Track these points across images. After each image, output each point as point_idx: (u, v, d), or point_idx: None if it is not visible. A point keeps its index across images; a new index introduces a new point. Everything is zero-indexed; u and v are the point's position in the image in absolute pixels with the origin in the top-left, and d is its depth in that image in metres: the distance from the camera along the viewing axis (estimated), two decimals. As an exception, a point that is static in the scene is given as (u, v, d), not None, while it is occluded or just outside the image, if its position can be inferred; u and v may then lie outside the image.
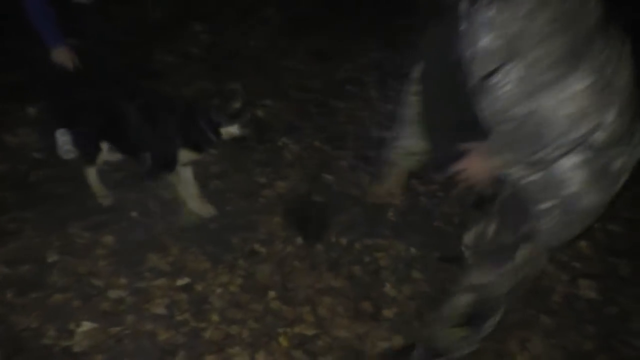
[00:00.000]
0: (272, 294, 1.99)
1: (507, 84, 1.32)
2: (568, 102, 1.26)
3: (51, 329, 1.80)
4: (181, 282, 2.00)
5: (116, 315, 1.86)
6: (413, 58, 1.69)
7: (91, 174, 2.30)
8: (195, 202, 2.29)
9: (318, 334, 1.85)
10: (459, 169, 1.48)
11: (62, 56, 2.25)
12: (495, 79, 1.33)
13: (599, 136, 1.30)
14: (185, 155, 2.16)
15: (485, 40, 1.29)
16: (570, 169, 1.35)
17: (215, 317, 1.88)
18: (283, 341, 1.81)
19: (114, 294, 1.93)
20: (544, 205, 1.40)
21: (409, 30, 1.87)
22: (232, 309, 1.92)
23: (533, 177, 1.41)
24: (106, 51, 2.51)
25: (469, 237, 1.82)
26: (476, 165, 1.45)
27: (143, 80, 3.12)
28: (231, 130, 2.08)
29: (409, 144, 1.78)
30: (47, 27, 2.18)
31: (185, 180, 2.26)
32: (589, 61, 1.26)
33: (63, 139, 2.49)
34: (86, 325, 1.79)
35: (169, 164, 2.17)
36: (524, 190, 1.44)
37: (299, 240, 2.22)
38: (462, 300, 1.65)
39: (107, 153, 2.30)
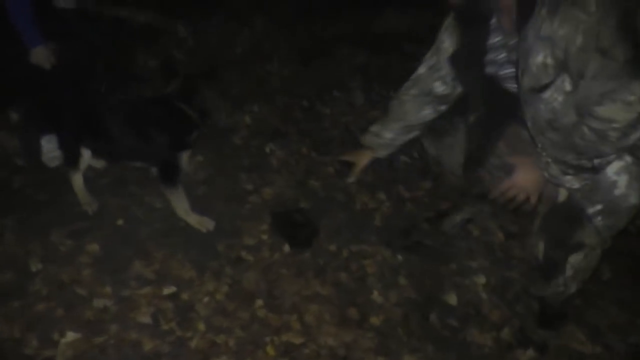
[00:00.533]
0: (258, 301, 1.98)
1: (558, 96, 1.39)
2: (619, 112, 1.31)
3: (34, 339, 1.76)
4: (167, 290, 1.97)
5: (100, 324, 1.83)
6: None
7: (77, 180, 2.27)
8: (192, 217, 2.24)
9: (305, 342, 1.85)
10: (509, 186, 1.56)
11: (40, 56, 2.23)
12: (547, 92, 1.39)
13: None
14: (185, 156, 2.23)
15: (542, 55, 1.34)
16: (617, 173, 1.47)
17: (201, 326, 1.86)
18: (270, 350, 1.80)
19: (98, 302, 1.90)
20: (592, 210, 1.51)
21: (394, 35, 1.90)
22: (218, 317, 1.90)
23: (581, 184, 1.50)
24: (88, 55, 2.49)
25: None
26: (525, 179, 1.53)
27: (126, 84, 3.10)
28: None
29: (388, 136, 1.98)
30: (25, 27, 2.16)
31: (179, 195, 2.23)
32: (637, 81, 1.28)
33: (48, 146, 2.45)
34: (70, 335, 1.76)
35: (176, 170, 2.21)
36: (570, 199, 1.53)
37: (286, 247, 2.21)
38: (534, 304, 1.79)
39: (90, 159, 2.27)
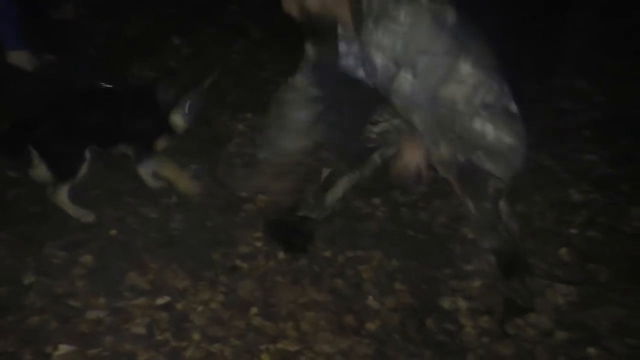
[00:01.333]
0: (254, 310, 1.97)
1: (406, 86, 1.64)
2: (457, 90, 1.64)
3: (28, 352, 1.75)
4: (161, 300, 1.97)
5: (94, 336, 1.82)
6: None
7: (61, 194, 2.23)
8: (183, 181, 2.36)
9: (301, 349, 1.83)
10: (402, 165, 1.81)
11: (20, 59, 2.22)
12: (395, 83, 1.65)
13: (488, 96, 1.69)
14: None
15: (380, 58, 1.62)
16: (481, 125, 1.71)
17: (196, 336, 1.85)
18: (265, 358, 1.79)
19: (92, 314, 1.89)
20: (475, 156, 1.73)
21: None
22: (213, 326, 1.89)
23: (460, 139, 1.71)
24: (83, 67, 2.50)
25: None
26: (412, 153, 1.78)
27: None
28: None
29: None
30: (6, 29, 2.16)
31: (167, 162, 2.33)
32: (465, 48, 1.62)
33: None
34: (63, 348, 1.75)
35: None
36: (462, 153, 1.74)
37: (281, 254, 2.20)
38: (492, 259, 1.91)
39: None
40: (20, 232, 2.20)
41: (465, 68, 1.64)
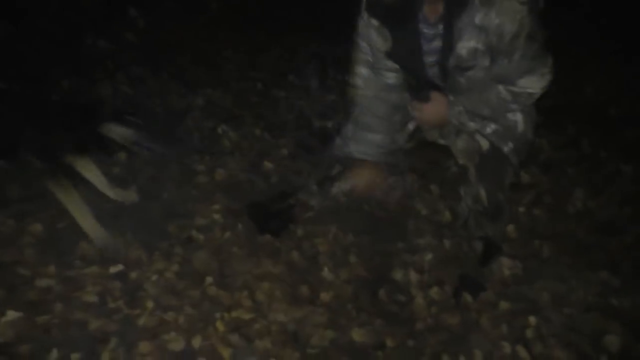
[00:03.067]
0: (209, 280, 1.97)
1: (479, 72, 1.61)
2: (536, 82, 1.62)
3: (-28, 320, 1.70)
4: (114, 269, 1.94)
5: (44, 304, 1.78)
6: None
7: None
8: (112, 190, 2.18)
9: (255, 317, 1.85)
10: (419, 108, 1.77)
11: None
12: (471, 72, 1.62)
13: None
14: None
15: (474, 41, 1.55)
16: (513, 114, 1.72)
17: (149, 304, 1.84)
18: (220, 326, 1.80)
19: (41, 282, 1.85)
20: (507, 149, 1.74)
21: (347, 22, 1.92)
22: (167, 295, 1.89)
23: (492, 126, 1.73)
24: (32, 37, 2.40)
25: (462, 208, 1.96)
26: (435, 109, 1.73)
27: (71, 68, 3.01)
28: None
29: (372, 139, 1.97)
30: None
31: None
32: (550, 55, 1.61)
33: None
34: (11, 315, 1.71)
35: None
36: (492, 146, 1.75)
37: (239, 227, 2.21)
38: (479, 246, 1.96)
39: None
40: (-36, 201, 2.12)
41: (550, 62, 1.61)
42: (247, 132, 2.80)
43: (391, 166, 2.10)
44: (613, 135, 3.08)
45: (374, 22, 1.69)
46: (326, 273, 2.08)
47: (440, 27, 1.58)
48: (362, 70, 1.90)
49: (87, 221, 2.05)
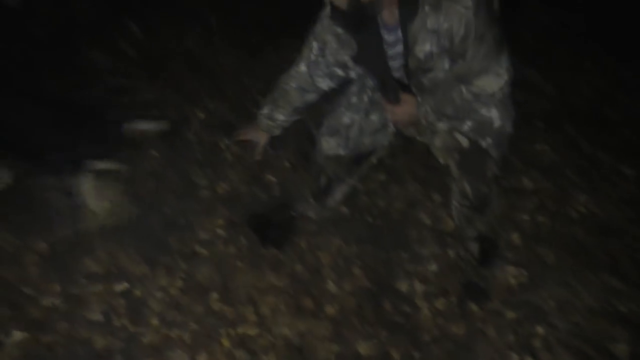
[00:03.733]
0: (213, 295, 1.98)
1: (440, 73, 1.66)
2: (492, 82, 1.65)
3: (-22, 341, 1.71)
4: (119, 286, 1.95)
5: (49, 323, 1.79)
6: None
7: None
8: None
9: (260, 332, 1.86)
10: (390, 109, 1.80)
11: None
12: (431, 73, 1.66)
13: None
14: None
15: (428, 45, 1.60)
16: (488, 110, 1.75)
17: (154, 321, 1.84)
18: (225, 342, 1.80)
19: (46, 301, 1.85)
20: (485, 143, 1.78)
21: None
22: (172, 311, 1.89)
23: (469, 123, 1.77)
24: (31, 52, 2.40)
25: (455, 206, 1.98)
26: (405, 110, 1.77)
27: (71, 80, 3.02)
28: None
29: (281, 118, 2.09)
30: None
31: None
32: (504, 55, 1.64)
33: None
34: (16, 335, 1.72)
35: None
36: (471, 142, 1.79)
37: (242, 240, 2.21)
38: (475, 247, 1.97)
39: None
40: (-33, 220, 2.12)
41: (506, 62, 1.65)
42: (247, 144, 2.80)
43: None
44: (613, 136, 3.08)
45: (338, 29, 1.73)
46: (330, 285, 2.08)
47: (399, 32, 1.64)
48: (302, 67, 1.95)
49: None
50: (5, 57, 2.26)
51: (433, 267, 2.18)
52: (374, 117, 1.97)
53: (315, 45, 1.86)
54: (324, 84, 1.95)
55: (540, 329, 1.94)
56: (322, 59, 1.86)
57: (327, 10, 1.72)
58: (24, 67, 2.44)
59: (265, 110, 2.14)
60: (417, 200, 2.54)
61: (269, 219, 2.27)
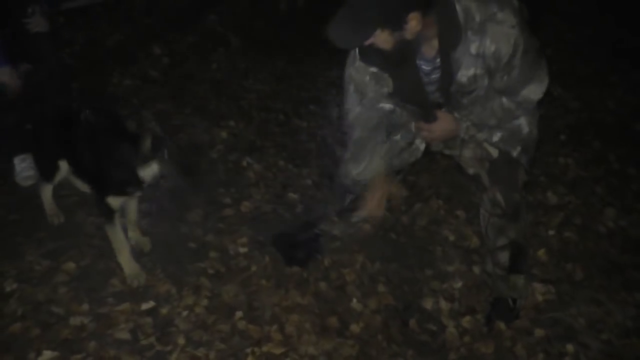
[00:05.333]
0: (238, 314, 1.98)
1: (481, 92, 1.68)
2: (537, 89, 1.70)
3: (10, 359, 1.73)
4: (146, 305, 1.96)
5: (78, 342, 1.81)
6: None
7: (46, 191, 2.26)
8: (124, 259, 2.08)
9: (286, 352, 1.85)
10: (427, 129, 1.83)
11: (5, 76, 2.18)
12: (473, 94, 1.69)
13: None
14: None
15: (473, 69, 1.62)
16: (517, 119, 1.79)
17: (181, 340, 1.85)
18: (251, 361, 1.80)
19: (75, 320, 1.88)
20: (516, 152, 1.81)
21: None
22: (198, 330, 1.90)
23: (499, 134, 1.81)
24: (60, 76, 2.48)
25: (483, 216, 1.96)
26: (444, 127, 1.79)
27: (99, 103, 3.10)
28: (150, 170, 1.89)
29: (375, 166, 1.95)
30: None
31: (114, 232, 2.05)
32: (544, 60, 1.70)
33: (22, 166, 2.44)
34: (46, 354, 1.74)
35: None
36: (501, 152, 1.82)
37: (266, 259, 2.22)
38: (504, 256, 1.93)
39: (67, 173, 2.21)
40: (0, 241, 2.17)
41: (545, 63, 1.70)
42: (270, 163, 2.83)
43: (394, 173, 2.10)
44: (640, 150, 3.03)
45: (372, 69, 1.75)
46: (355, 303, 2.07)
47: (437, 60, 1.66)
48: (355, 109, 1.92)
49: (124, 255, 2.06)
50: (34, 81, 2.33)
51: (459, 284, 2.15)
52: (398, 137, 1.97)
53: (352, 88, 1.87)
54: (388, 106, 1.91)
55: (570, 348, 1.90)
56: (366, 100, 1.87)
57: (356, 53, 1.75)
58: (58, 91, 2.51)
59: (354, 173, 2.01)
60: (440, 217, 2.52)
61: (293, 238, 2.27)
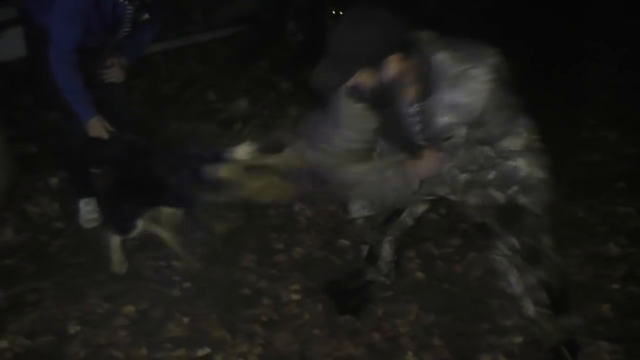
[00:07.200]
0: (292, 363, 1.97)
1: (459, 140, 1.69)
2: (515, 141, 1.74)
3: (71, 403, 1.78)
4: (201, 352, 1.99)
5: (136, 388, 1.84)
6: None
7: (115, 242, 2.30)
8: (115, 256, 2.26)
9: (340, 405, 1.82)
10: (412, 164, 1.83)
11: (97, 128, 2.27)
12: (450, 141, 1.70)
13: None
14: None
15: (447, 118, 1.64)
16: (513, 160, 1.77)
17: (235, 389, 1.86)
18: (305, 413, 1.78)
19: (134, 365, 1.92)
20: (511, 191, 1.78)
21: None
22: (252, 379, 1.90)
23: (493, 173, 1.79)
24: (130, 124, 2.59)
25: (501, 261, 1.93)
26: (428, 164, 1.80)
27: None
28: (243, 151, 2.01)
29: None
30: (79, 102, 2.22)
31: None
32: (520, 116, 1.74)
33: (86, 209, 2.55)
34: (107, 399, 1.78)
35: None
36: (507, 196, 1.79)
37: (318, 307, 2.21)
38: (542, 294, 1.87)
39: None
40: (64, 283, 2.26)
41: (522, 120, 1.74)
42: (321, 209, 2.85)
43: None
44: None
45: (358, 106, 1.79)
46: (409, 356, 2.03)
47: (416, 106, 1.71)
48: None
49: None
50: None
51: (518, 339, 2.08)
52: (390, 174, 1.95)
53: (346, 132, 1.87)
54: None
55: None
56: (356, 135, 1.88)
57: (343, 91, 1.78)
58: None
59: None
60: (495, 267, 2.46)
61: (346, 286, 2.26)
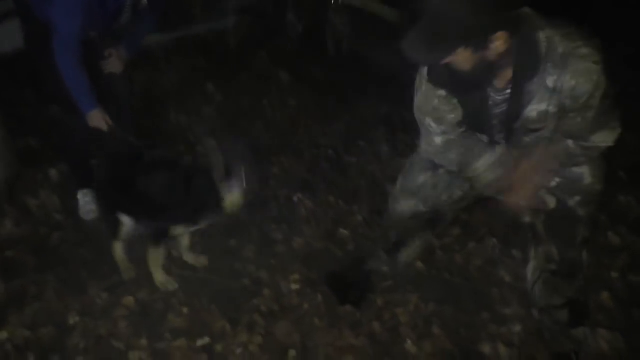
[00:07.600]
0: (292, 352, 1.98)
1: (547, 133, 1.56)
2: (608, 136, 1.57)
3: (72, 393, 1.79)
4: (201, 342, 1.99)
5: (137, 378, 1.85)
6: None
7: (117, 248, 2.26)
8: (158, 274, 2.22)
9: (341, 394, 1.83)
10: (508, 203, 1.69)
11: (98, 119, 2.26)
12: (540, 132, 1.56)
13: None
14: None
15: (545, 104, 1.48)
16: (579, 166, 1.66)
17: (236, 378, 1.86)
18: (305, 402, 1.79)
19: (134, 355, 1.93)
20: (573, 202, 1.69)
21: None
22: (252, 369, 1.91)
23: (557, 180, 1.68)
24: (128, 115, 2.59)
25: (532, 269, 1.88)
26: (522, 196, 1.64)
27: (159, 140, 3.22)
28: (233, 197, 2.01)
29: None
30: (83, 93, 2.21)
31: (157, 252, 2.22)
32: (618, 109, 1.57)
33: (85, 200, 2.55)
34: (107, 390, 1.78)
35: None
36: (559, 202, 1.70)
37: (319, 297, 2.22)
38: (563, 314, 1.85)
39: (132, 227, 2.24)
40: (64, 275, 2.27)
41: (620, 114, 1.58)
42: (321, 200, 2.85)
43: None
44: None
45: (440, 92, 1.61)
46: (409, 345, 2.04)
47: (507, 92, 1.53)
48: (436, 141, 1.76)
49: (158, 268, 2.21)
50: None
51: (517, 328, 2.08)
52: (442, 171, 1.87)
53: (428, 120, 1.71)
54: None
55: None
56: (444, 127, 1.71)
57: (424, 76, 1.63)
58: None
59: None
60: (496, 257, 2.46)
61: (346, 277, 2.26)
